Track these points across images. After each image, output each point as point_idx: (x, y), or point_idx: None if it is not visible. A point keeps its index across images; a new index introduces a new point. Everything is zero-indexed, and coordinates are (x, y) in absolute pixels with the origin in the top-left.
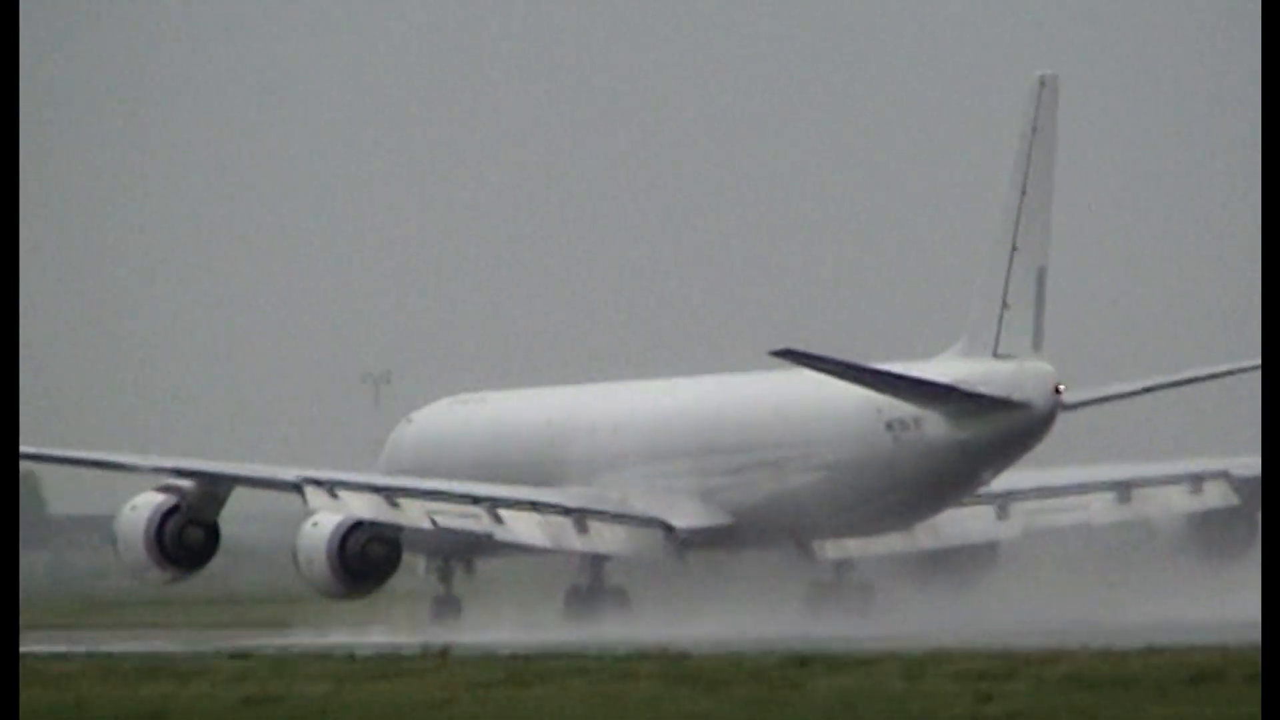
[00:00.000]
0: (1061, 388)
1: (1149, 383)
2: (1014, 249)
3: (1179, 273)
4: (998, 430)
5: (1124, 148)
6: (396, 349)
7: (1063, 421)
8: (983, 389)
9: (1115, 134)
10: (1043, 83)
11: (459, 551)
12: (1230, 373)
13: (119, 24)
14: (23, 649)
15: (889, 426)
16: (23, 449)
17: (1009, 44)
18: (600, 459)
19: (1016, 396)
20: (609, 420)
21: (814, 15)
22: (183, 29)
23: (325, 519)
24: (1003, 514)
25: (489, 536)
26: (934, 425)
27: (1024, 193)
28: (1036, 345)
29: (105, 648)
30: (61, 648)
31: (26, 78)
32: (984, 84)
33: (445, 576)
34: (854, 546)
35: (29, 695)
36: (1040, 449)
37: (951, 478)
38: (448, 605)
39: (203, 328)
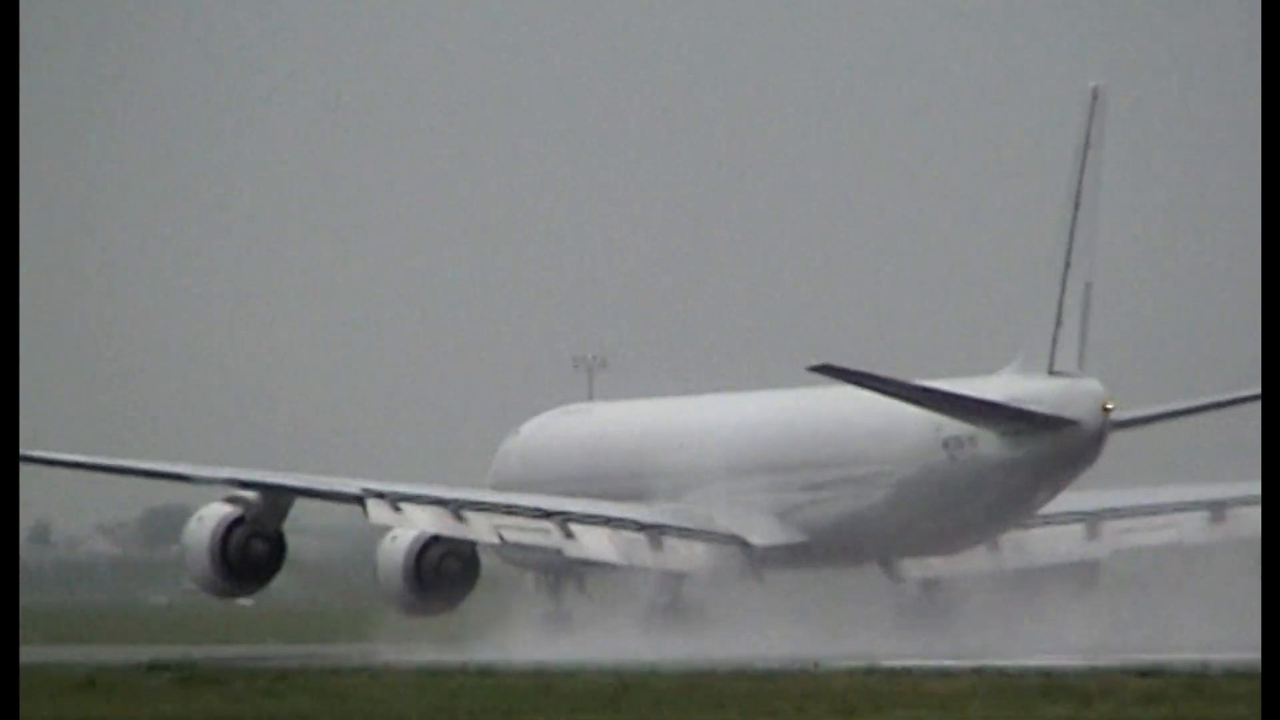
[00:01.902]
0: (1110, 405)
1: (1201, 401)
2: (1067, 264)
3: (1232, 289)
4: (1048, 448)
5: (1167, 160)
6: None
7: (1151, 439)
8: (1032, 406)
9: (1159, 146)
10: (1095, 94)
11: (570, 568)
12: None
13: (130, 23)
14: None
15: (945, 444)
16: (91, 460)
17: (1059, 56)
18: (687, 473)
19: (1066, 414)
20: (695, 434)
21: (869, 33)
22: (228, 23)
23: (405, 534)
24: (1092, 533)
25: (558, 552)
26: (987, 443)
27: (1077, 206)
28: (1081, 361)
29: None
30: None
31: (26, 78)
32: (1039, 95)
33: (556, 592)
34: (938, 565)
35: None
36: (1130, 467)
37: (1006, 495)
38: (558, 621)
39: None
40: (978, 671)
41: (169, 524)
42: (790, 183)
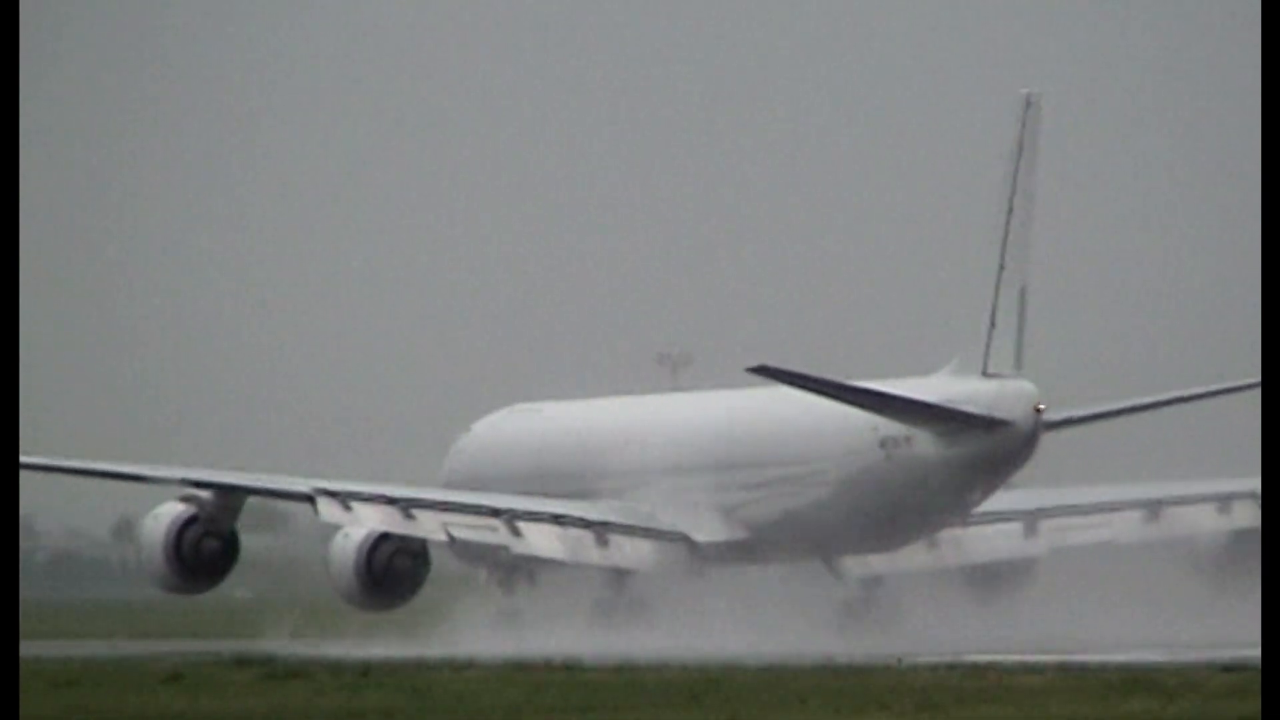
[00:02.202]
0: (1042, 407)
1: (1133, 402)
2: (1001, 268)
3: (1169, 291)
4: (982, 448)
5: (1105, 165)
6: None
7: (1089, 439)
8: (966, 407)
9: (1095, 151)
10: (1028, 101)
11: (521, 565)
12: (1217, 393)
13: (131, 23)
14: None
15: (882, 444)
16: (51, 462)
17: (996, 61)
18: (632, 472)
19: (999, 415)
20: (640, 434)
21: (805, 35)
22: (227, 23)
23: (356, 531)
24: (1030, 531)
25: (505, 549)
26: (923, 443)
27: (1010, 211)
28: (1018, 364)
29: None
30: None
31: (27, 78)
32: (977, 101)
33: (507, 588)
34: (878, 563)
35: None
36: (1072, 467)
37: (942, 494)
38: (510, 616)
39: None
40: (1062, 668)
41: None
42: (732, 188)
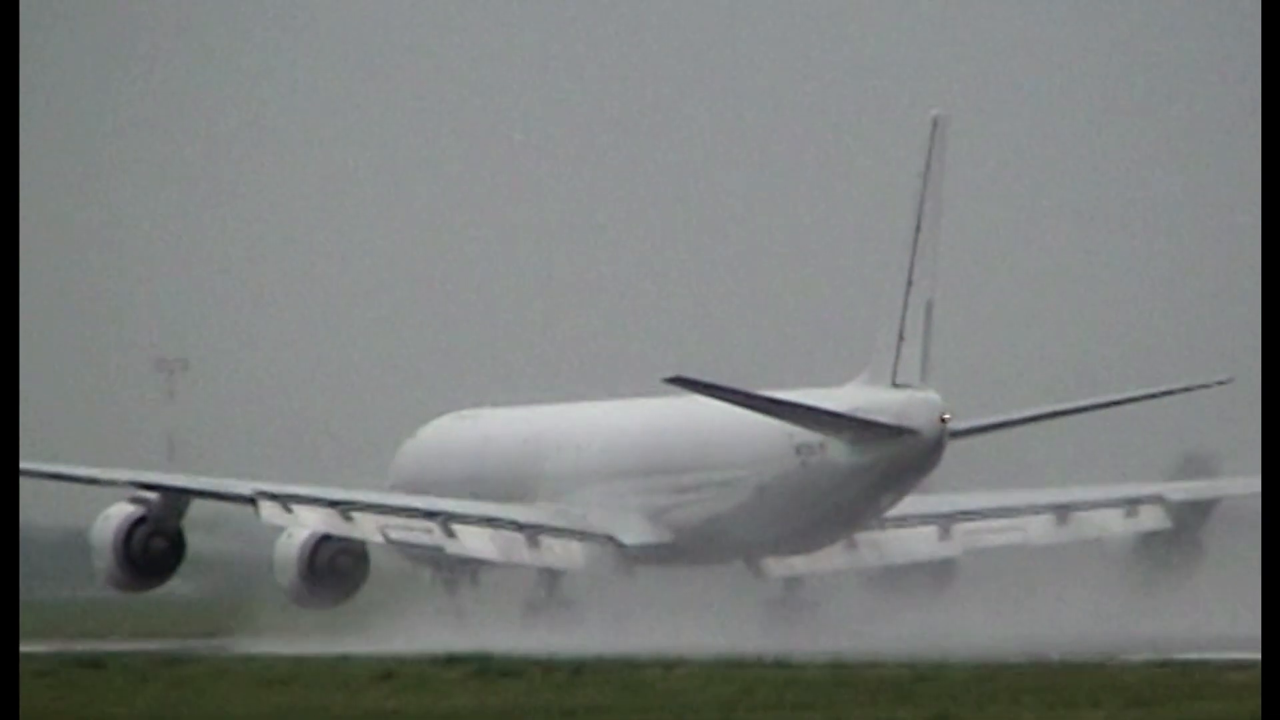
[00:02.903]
0: (947, 416)
1: (1034, 411)
2: (909, 283)
3: (1072, 305)
4: (890, 455)
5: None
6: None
7: (1004, 445)
8: (875, 416)
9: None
10: (935, 122)
11: (464, 565)
12: (1116, 403)
13: (121, 22)
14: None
15: (798, 451)
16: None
17: (904, 84)
18: (567, 477)
19: (906, 424)
20: (573, 439)
21: (720, 53)
22: (204, 18)
23: (299, 532)
24: (945, 534)
25: (439, 550)
26: (836, 450)
27: (918, 228)
28: (924, 375)
29: None
30: None
31: (26, 78)
32: (887, 121)
33: (452, 588)
34: (799, 564)
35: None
36: (990, 472)
37: (855, 498)
38: (452, 614)
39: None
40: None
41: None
42: (656, 205)
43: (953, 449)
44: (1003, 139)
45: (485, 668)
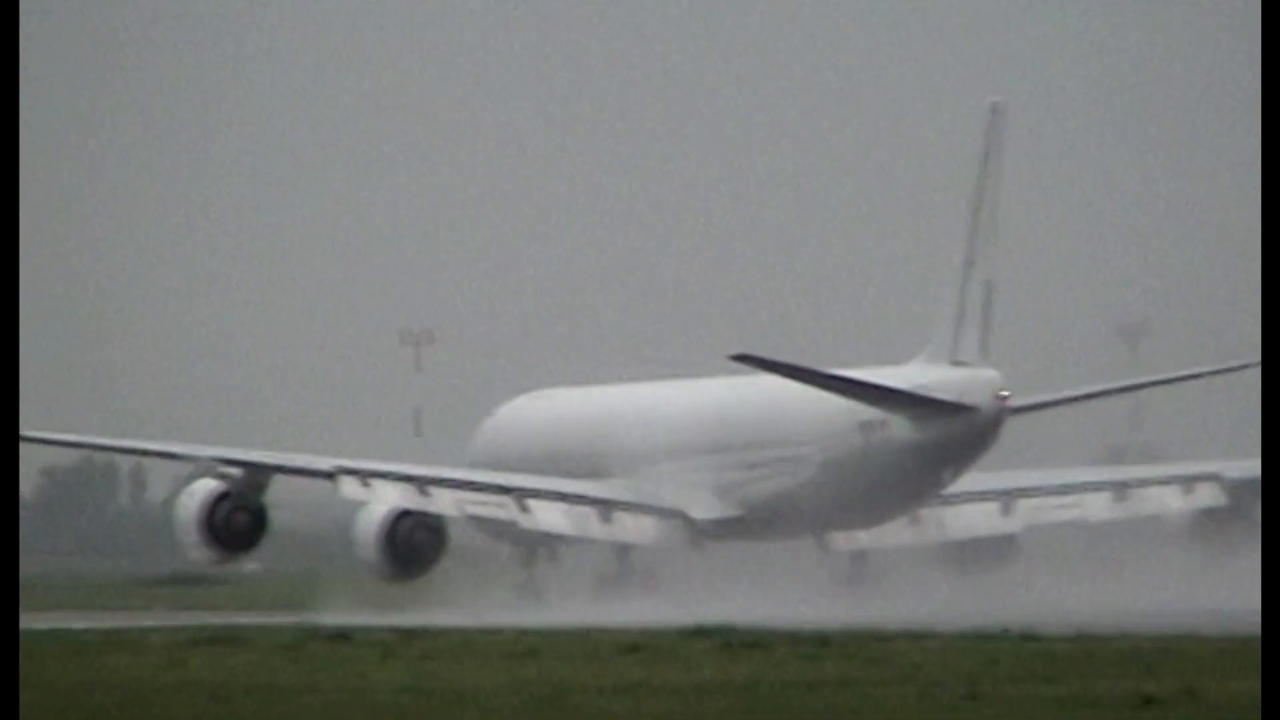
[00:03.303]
0: (1005, 393)
1: (1091, 389)
2: (968, 264)
3: (1130, 285)
4: (950, 431)
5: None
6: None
7: (1066, 422)
8: (936, 394)
9: (1057, 153)
10: (994, 109)
11: (542, 540)
12: (1169, 381)
13: (119, 21)
14: None
15: (861, 428)
16: (96, 440)
17: (965, 71)
18: (638, 454)
19: (965, 401)
20: (644, 418)
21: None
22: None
23: (379, 508)
24: (1007, 510)
25: (514, 524)
26: (898, 427)
27: (977, 210)
28: (984, 353)
29: None
30: None
31: (26, 78)
32: (947, 109)
33: (528, 563)
34: (864, 539)
35: None
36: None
37: (915, 474)
38: (529, 588)
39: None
40: None
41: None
42: (716, 186)
43: (1016, 427)
44: (1061, 124)
45: (731, 640)
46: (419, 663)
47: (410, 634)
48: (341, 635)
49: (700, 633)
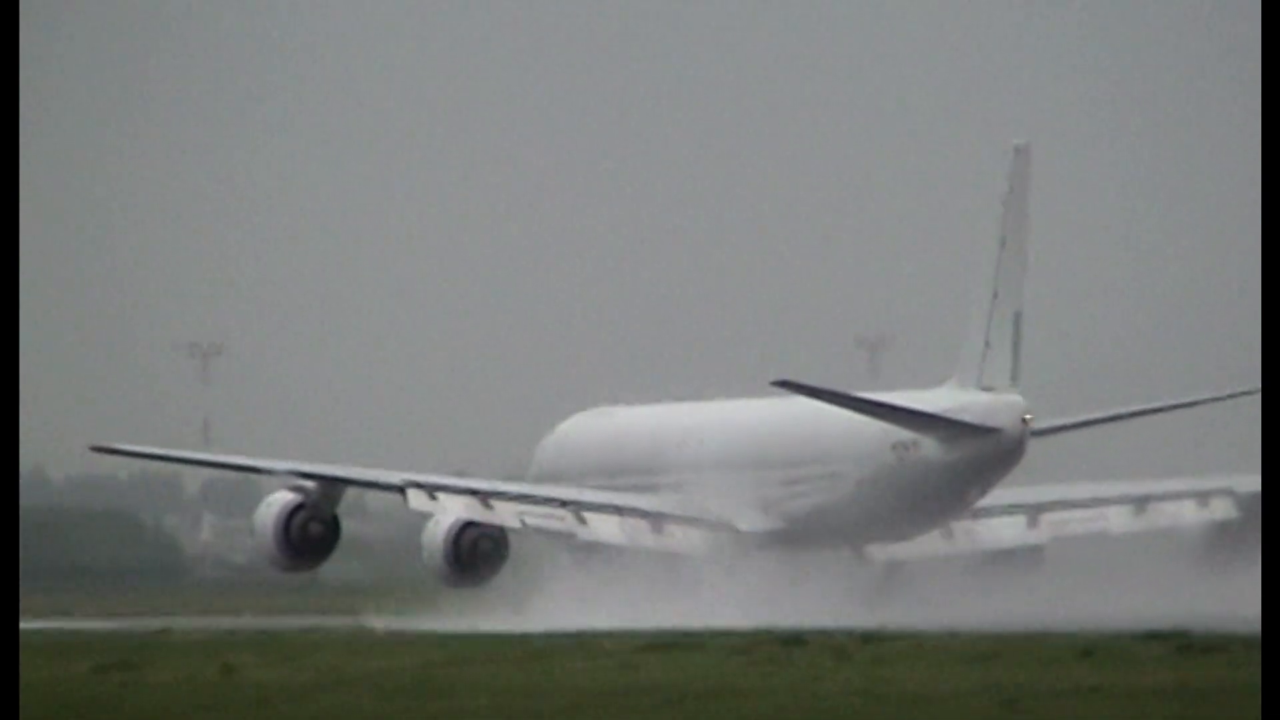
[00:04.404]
0: (1029, 417)
1: (1110, 413)
2: (995, 295)
3: (1150, 314)
4: (978, 452)
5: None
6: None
7: (1086, 443)
8: (964, 417)
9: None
10: (1017, 150)
11: (598, 549)
12: (1183, 405)
13: (122, 23)
14: None
15: (894, 448)
16: (176, 453)
17: (993, 112)
18: (689, 469)
19: (991, 424)
20: (695, 435)
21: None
22: (230, 20)
23: (444, 519)
24: (1033, 523)
25: (572, 536)
26: (929, 447)
27: (1003, 246)
28: (1014, 379)
29: None
30: None
31: (26, 77)
32: (974, 151)
33: (587, 569)
34: (900, 550)
35: None
36: (1069, 465)
37: (945, 491)
38: (588, 592)
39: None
40: None
41: None
42: (763, 223)
43: (1042, 445)
44: (1086, 165)
45: (1187, 644)
46: (872, 666)
47: (866, 637)
48: (796, 639)
49: (1154, 636)
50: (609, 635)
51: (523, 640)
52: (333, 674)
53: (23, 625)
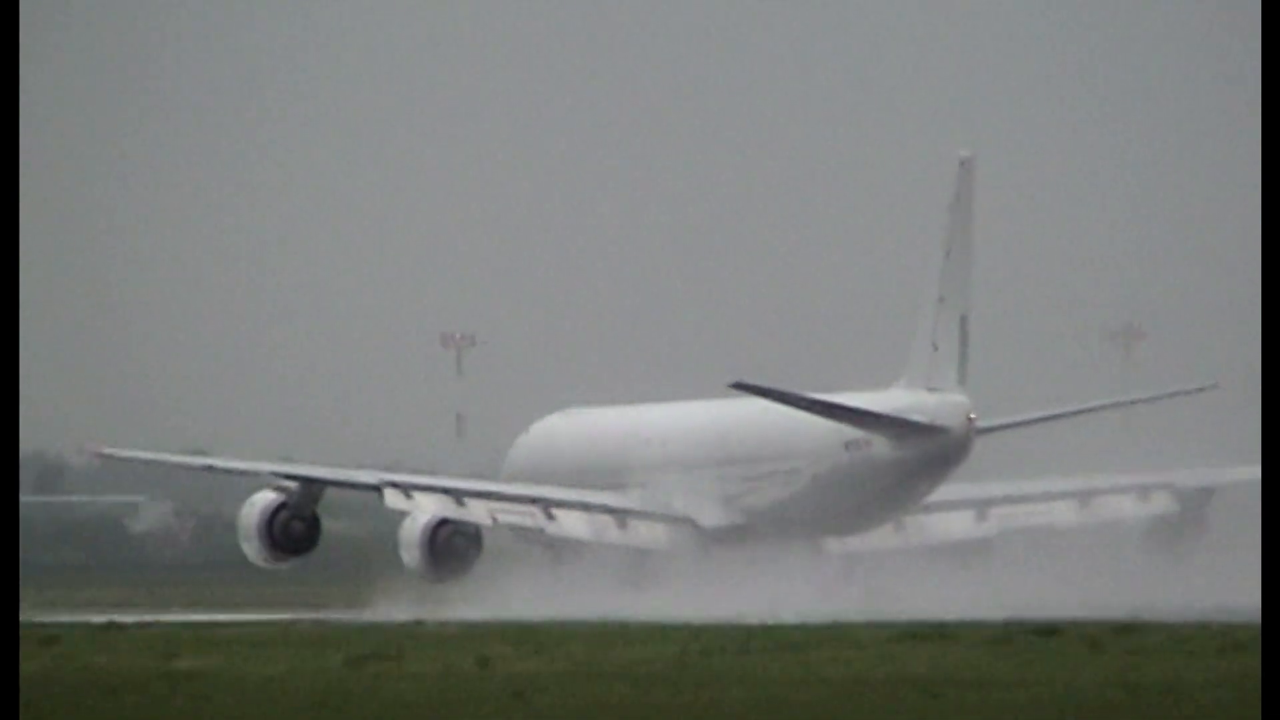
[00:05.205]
0: (973, 416)
1: (1050, 412)
2: (941, 300)
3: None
4: (925, 450)
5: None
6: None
7: (1029, 440)
8: (912, 416)
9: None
10: (962, 163)
11: (570, 545)
12: (1119, 405)
13: (124, 21)
14: None
15: (847, 446)
16: (161, 456)
17: (942, 119)
18: (654, 467)
19: (938, 423)
20: (661, 436)
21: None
22: (230, 19)
23: (420, 516)
24: (981, 517)
25: (541, 531)
26: (879, 445)
27: (948, 254)
28: (961, 380)
29: None
30: None
31: (26, 77)
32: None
33: (558, 563)
34: (854, 543)
35: None
36: (1016, 462)
37: (894, 488)
38: (558, 584)
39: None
40: None
41: None
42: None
43: (995, 443)
44: (1029, 175)
45: None
46: (1127, 657)
47: (1119, 628)
48: (1049, 629)
49: None
50: (863, 626)
51: (774, 630)
52: (588, 665)
53: (256, 617)
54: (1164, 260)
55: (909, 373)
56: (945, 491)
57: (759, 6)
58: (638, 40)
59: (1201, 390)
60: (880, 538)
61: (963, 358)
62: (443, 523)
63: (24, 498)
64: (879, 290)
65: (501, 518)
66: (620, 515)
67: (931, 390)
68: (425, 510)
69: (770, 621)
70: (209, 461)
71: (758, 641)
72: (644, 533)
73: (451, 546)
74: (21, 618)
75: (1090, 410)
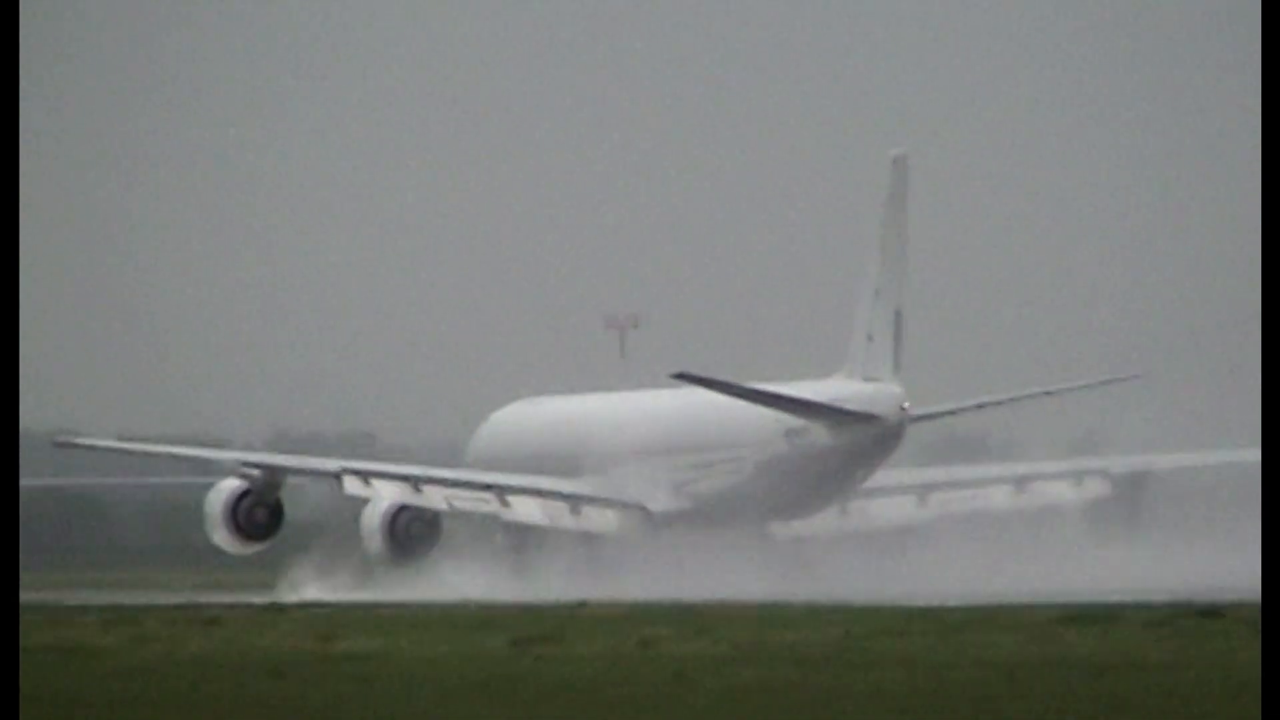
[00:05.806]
0: (907, 405)
1: (980, 400)
2: (876, 293)
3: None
4: (860, 437)
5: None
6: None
7: (976, 426)
8: (847, 405)
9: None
10: (895, 161)
11: (531, 530)
12: (1048, 393)
13: (125, 17)
14: None
15: (786, 434)
16: (133, 445)
17: (883, 116)
18: (607, 454)
19: (872, 411)
20: (614, 424)
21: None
22: (231, 16)
23: (381, 503)
24: (922, 502)
25: (496, 517)
26: (817, 433)
27: (883, 248)
28: (896, 370)
29: None
30: None
31: (27, 77)
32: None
33: (519, 548)
34: (799, 527)
35: None
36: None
37: (833, 473)
38: (518, 567)
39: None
40: None
41: None
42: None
43: (932, 431)
44: (960, 172)
45: None
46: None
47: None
48: (1212, 610)
49: None
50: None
51: (936, 612)
52: (750, 647)
53: (413, 599)
54: (1101, 252)
55: (848, 363)
56: (887, 477)
57: (697, 6)
58: (581, 40)
59: (1128, 380)
60: (823, 522)
61: (897, 349)
62: (402, 509)
63: (111, 480)
64: (822, 284)
65: (457, 504)
66: (573, 501)
67: (868, 380)
68: (384, 497)
69: (930, 604)
70: (172, 450)
71: (916, 624)
72: (595, 518)
73: (411, 532)
74: (180, 599)
75: (1025, 398)
